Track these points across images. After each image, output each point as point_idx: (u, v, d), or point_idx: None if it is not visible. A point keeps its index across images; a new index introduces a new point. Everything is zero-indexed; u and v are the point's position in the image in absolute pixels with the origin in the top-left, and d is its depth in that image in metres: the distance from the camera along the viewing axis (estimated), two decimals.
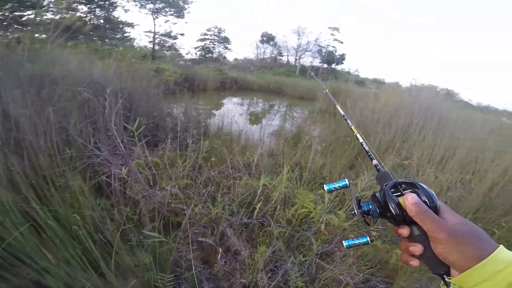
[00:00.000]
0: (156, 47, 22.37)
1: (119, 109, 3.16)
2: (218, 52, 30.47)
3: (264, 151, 3.34)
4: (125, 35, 20.25)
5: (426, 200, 0.42)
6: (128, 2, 20.19)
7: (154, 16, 21.59)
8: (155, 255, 1.52)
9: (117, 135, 2.33)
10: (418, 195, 0.42)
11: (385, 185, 0.46)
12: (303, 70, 28.81)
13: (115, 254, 1.20)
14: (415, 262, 0.44)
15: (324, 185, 0.51)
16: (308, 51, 32.66)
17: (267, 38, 33.10)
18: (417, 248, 0.42)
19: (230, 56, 34.41)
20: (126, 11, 20.59)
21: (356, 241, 0.48)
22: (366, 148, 0.62)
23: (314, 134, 3.42)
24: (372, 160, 0.57)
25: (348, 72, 32.28)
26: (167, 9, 22.03)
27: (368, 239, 0.48)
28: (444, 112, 4.66)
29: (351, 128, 0.74)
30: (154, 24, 22.04)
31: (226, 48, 30.96)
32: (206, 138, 3.11)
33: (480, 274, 0.35)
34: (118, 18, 19.58)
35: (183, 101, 4.28)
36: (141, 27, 29.24)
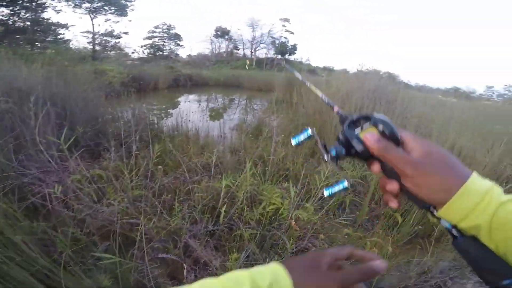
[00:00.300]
0: (97, 48, 21.13)
1: (51, 118, 2.73)
2: (169, 49, 29.77)
3: (225, 148, 3.19)
4: (58, 37, 18.69)
5: (385, 130, 0.38)
6: (59, 2, 18.45)
7: (92, 15, 20.09)
8: (116, 276, 1.33)
9: (45, 149, 1.97)
10: (376, 128, 0.39)
11: (344, 124, 0.43)
12: (260, 62, 28.99)
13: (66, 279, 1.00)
14: (393, 204, 0.40)
15: (291, 139, 0.47)
16: (263, 43, 32.99)
17: (222, 33, 32.66)
18: (393, 186, 0.38)
19: (183, 53, 33.51)
20: (57, 12, 18.72)
21: (336, 187, 0.44)
22: (326, 99, 0.60)
23: (274, 125, 3.37)
24: (333, 108, 0.53)
25: (300, 62, 33.29)
26: (106, 8, 20.70)
27: (346, 183, 0.43)
28: (390, 94, 4.98)
29: (309, 88, 0.72)
30: (93, 24, 20.72)
31: (178, 44, 30.45)
32: (158, 141, 2.85)
33: (458, 208, 0.32)
34: (48, 19, 17.98)
35: (131, 103, 3.89)
36: (78, 27, 26.76)
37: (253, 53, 33.37)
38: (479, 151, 2.56)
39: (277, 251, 1.59)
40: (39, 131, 2.21)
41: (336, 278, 0.36)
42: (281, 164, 2.55)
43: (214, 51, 33.45)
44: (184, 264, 1.47)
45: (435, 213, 0.36)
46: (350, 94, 4.59)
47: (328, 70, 26.46)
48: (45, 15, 17.83)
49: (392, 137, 0.38)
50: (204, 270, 1.50)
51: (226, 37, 33.05)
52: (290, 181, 2.09)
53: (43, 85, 3.32)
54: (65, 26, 18.85)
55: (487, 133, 3.00)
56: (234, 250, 1.50)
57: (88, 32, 21.02)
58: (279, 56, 31.90)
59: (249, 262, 1.50)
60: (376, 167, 0.39)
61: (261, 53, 33.76)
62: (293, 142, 0.48)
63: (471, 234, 0.33)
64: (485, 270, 0.33)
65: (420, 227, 1.99)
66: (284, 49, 31.71)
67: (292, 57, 33.01)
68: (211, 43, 33.23)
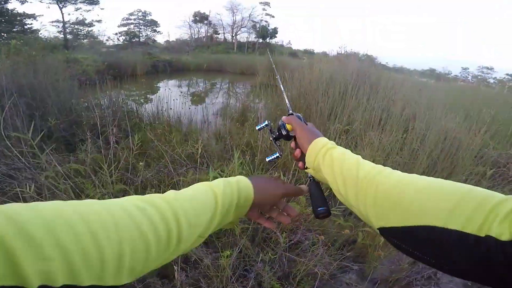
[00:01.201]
0: (69, 37, 20.18)
1: (19, 110, 2.52)
2: (146, 35, 28.51)
3: (210, 135, 3.10)
4: (25, 27, 17.51)
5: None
6: None
7: (60, 5, 18.96)
8: None
9: (14, 143, 1.81)
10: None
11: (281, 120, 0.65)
12: (241, 46, 28.33)
13: None
14: (300, 164, 0.59)
15: (256, 127, 0.73)
16: (244, 27, 32.10)
17: (200, 18, 31.41)
18: (296, 152, 0.59)
19: (160, 39, 32.20)
20: (22, 2, 17.43)
21: (273, 156, 0.64)
22: (287, 101, 0.78)
23: (260, 112, 3.29)
24: (289, 110, 0.73)
25: (281, 45, 32.85)
26: None
27: (278, 153, 0.64)
28: (372, 76, 5.00)
29: (277, 78, 0.95)
30: (62, 13, 19.62)
31: (155, 31, 29.42)
32: (138, 130, 2.71)
33: (309, 154, 0.52)
34: (13, 10, 16.76)
35: (108, 90, 3.66)
36: (47, 17, 25.38)
37: (234, 37, 32.46)
38: (464, 134, 2.61)
39: (270, 245, 1.56)
40: (7, 124, 2.03)
41: (282, 185, 0.52)
42: (269, 151, 2.51)
43: (194, 36, 32.28)
44: (174, 266, 1.42)
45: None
46: (334, 77, 4.57)
47: (309, 53, 26.36)
48: (9, 6, 16.73)
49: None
50: (195, 268, 1.45)
51: (205, 22, 31.90)
52: (279, 169, 2.06)
53: (8, 77, 3.05)
54: (32, 16, 17.76)
55: (473, 117, 3.08)
56: (226, 246, 1.46)
57: (58, 21, 20.03)
58: (260, 40, 31.27)
59: (242, 258, 1.47)
60: (292, 143, 0.61)
61: (242, 37, 32.97)
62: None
63: (318, 179, 0.55)
64: (314, 203, 0.53)
65: None
66: (265, 32, 31.05)
67: (273, 41, 32.47)
68: (190, 28, 32.01)
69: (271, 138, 0.67)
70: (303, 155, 0.56)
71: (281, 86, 0.87)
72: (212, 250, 1.48)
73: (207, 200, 0.40)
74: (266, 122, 0.69)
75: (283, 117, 0.63)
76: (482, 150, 2.67)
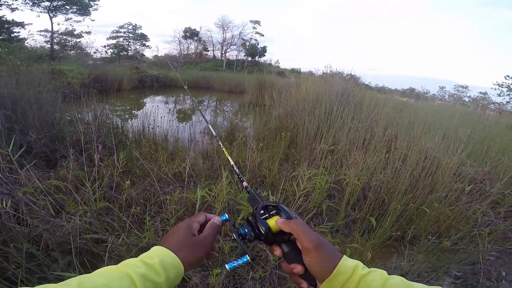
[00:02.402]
0: (56, 47, 19.78)
1: None
2: (135, 49, 28.57)
3: (197, 154, 3.07)
4: (12, 35, 17.13)
5: (286, 217, 0.49)
6: (16, 0, 16.85)
7: (51, 14, 18.91)
8: None
9: None
10: (280, 216, 0.50)
11: (255, 208, 0.52)
12: (230, 64, 28.81)
13: None
14: (304, 285, 0.47)
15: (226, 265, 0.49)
16: (233, 45, 32.79)
17: (191, 34, 31.93)
18: (298, 268, 0.46)
19: (149, 54, 32.28)
20: (13, 10, 17.08)
21: (239, 261, 0.47)
22: (237, 171, 0.69)
23: (248, 131, 3.31)
24: (242, 182, 0.63)
25: (270, 64, 33.73)
26: (67, 7, 19.60)
27: (248, 257, 0.48)
28: (356, 96, 5.20)
29: (223, 150, 0.82)
30: (52, 23, 19.39)
31: (144, 45, 29.46)
32: (123, 148, 2.65)
33: (334, 283, 0.41)
34: (2, 17, 16.48)
35: (93, 105, 3.58)
36: (36, 26, 24.92)
37: (224, 55, 33.08)
38: (443, 153, 2.73)
39: (260, 263, 1.54)
40: None
41: (204, 241, 0.48)
42: (257, 170, 2.51)
43: (183, 52, 32.61)
44: None
45: (318, 287, 0.44)
46: (320, 97, 4.72)
47: (296, 72, 27.21)
48: None
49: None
50: (183, 287, 1.40)
51: (196, 38, 32.42)
52: (268, 188, 2.05)
53: None
54: (21, 25, 17.45)
55: (450, 136, 3.23)
56: (215, 264, 1.42)
57: (46, 31, 19.62)
58: (250, 58, 32.02)
59: (232, 276, 1.43)
60: (278, 250, 0.49)
61: (232, 55, 33.59)
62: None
63: None
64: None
65: (395, 233, 2.07)
66: (254, 51, 31.87)
67: (262, 59, 33.31)
68: (180, 44, 32.38)
69: (235, 236, 0.50)
70: (308, 273, 0.46)
71: (226, 153, 0.78)
72: (200, 269, 1.44)
73: (122, 287, 0.35)
74: (225, 216, 0.55)
75: (279, 221, 0.48)
76: (460, 168, 2.80)
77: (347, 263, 0.43)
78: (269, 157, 2.73)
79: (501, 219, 2.47)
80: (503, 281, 2.01)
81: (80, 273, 1.19)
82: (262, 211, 0.51)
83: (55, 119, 3.19)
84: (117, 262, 0.40)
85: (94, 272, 0.37)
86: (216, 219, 0.53)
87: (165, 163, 2.39)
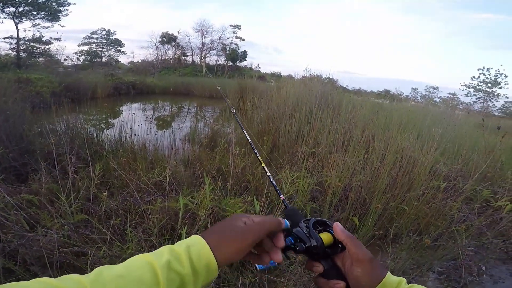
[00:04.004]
0: (23, 55, 18.62)
1: None
2: (109, 55, 27.57)
3: (178, 162, 3.00)
4: None
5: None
6: None
7: (16, 20, 17.70)
8: None
9: None
10: (329, 232, 0.50)
11: (304, 221, 0.51)
12: (210, 68, 28.65)
13: None
14: None
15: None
16: (213, 49, 32.64)
17: (168, 39, 31.36)
18: (341, 285, 0.46)
19: (124, 60, 31.33)
20: None
21: (270, 264, 0.47)
22: (274, 183, 0.68)
23: (230, 137, 3.29)
24: (280, 196, 0.63)
25: (250, 68, 33.94)
26: (34, 13, 18.40)
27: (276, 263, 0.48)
28: (335, 99, 5.35)
29: (259, 160, 0.80)
30: (17, 29, 18.16)
31: (119, 51, 28.55)
32: (99, 159, 2.54)
33: None
34: None
35: (64, 115, 3.41)
36: (0, 33, 23.20)
37: (203, 60, 32.86)
38: (418, 152, 2.86)
39: (249, 268, 1.52)
40: None
41: (249, 230, 0.42)
42: (241, 176, 2.49)
43: (160, 57, 32.00)
44: None
45: None
46: (300, 100, 4.81)
47: (276, 76, 27.60)
48: None
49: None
50: None
51: (173, 43, 31.94)
52: (252, 193, 2.04)
53: None
54: None
55: (424, 135, 3.39)
56: None
57: (11, 38, 18.39)
58: (230, 63, 32.04)
59: (222, 283, 1.40)
60: (320, 267, 0.48)
61: (212, 59, 33.41)
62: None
63: None
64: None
65: (377, 232, 2.12)
66: (235, 55, 31.92)
67: (242, 64, 33.43)
68: (157, 49, 31.73)
69: (294, 253, 0.49)
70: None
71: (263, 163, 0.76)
72: None
73: (141, 277, 0.33)
74: (287, 224, 0.51)
75: (338, 227, 0.48)
76: (435, 166, 2.94)
77: (392, 278, 0.45)
78: (252, 162, 2.72)
79: (475, 215, 2.61)
80: (484, 276, 2.10)
81: None
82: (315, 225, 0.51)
83: (24, 131, 3.00)
84: None
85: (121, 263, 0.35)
86: (282, 219, 0.49)
87: (144, 172, 2.31)
